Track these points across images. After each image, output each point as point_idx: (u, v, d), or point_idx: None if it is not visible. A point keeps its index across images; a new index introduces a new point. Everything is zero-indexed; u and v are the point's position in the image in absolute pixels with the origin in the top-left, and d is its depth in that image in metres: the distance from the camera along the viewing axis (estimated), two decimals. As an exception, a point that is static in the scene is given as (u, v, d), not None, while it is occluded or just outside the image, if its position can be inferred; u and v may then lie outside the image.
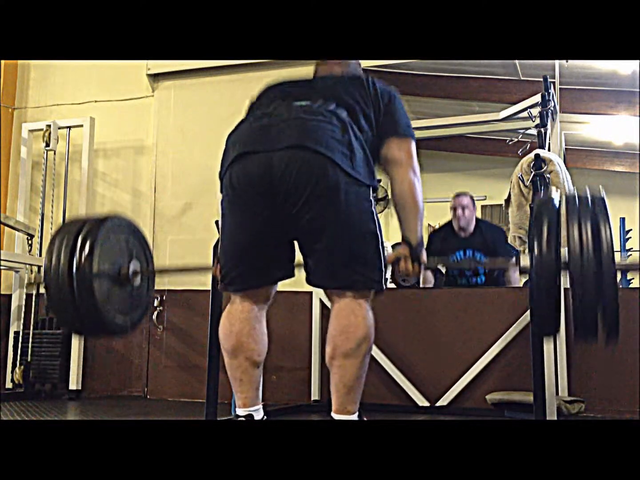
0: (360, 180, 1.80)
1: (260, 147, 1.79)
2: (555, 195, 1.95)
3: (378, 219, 1.88)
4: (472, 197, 4.32)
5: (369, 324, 1.84)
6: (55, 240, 2.12)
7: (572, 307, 1.73)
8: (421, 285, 4.31)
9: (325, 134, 1.78)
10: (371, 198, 1.86)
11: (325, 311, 3.89)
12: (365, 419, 1.92)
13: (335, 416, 1.82)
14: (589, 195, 1.77)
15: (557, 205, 1.82)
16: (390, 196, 1.98)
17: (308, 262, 1.88)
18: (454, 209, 4.27)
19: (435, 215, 6.41)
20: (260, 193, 1.79)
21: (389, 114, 1.96)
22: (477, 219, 4.34)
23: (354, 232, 1.80)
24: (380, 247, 1.85)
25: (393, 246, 5.88)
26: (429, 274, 4.28)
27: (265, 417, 1.97)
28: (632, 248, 6.36)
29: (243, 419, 1.90)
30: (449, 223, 4.36)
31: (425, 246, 2.02)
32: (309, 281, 1.90)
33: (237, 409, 1.94)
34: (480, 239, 4.21)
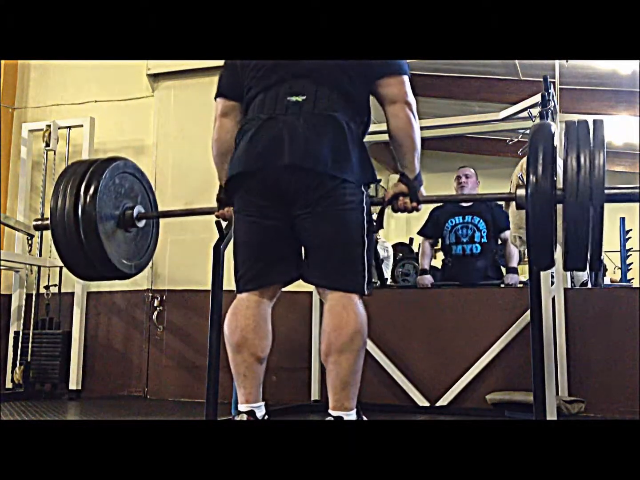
0: (355, 183, 1.88)
1: (270, 165, 1.86)
2: (551, 123, 1.93)
3: (369, 223, 1.92)
4: (474, 170, 4.35)
5: (361, 319, 1.87)
6: (61, 182, 2.13)
7: (564, 238, 1.73)
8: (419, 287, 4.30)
9: (322, 146, 1.83)
10: (364, 204, 1.91)
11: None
12: (364, 417, 1.92)
13: (333, 413, 1.83)
14: (589, 125, 1.77)
15: (553, 133, 1.81)
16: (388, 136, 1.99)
17: (305, 262, 1.97)
18: (457, 178, 4.30)
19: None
20: (269, 204, 1.90)
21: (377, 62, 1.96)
22: None
23: (343, 240, 1.88)
24: (365, 253, 1.91)
25: (394, 246, 5.90)
26: (428, 277, 4.25)
27: (267, 415, 1.97)
28: (632, 248, 6.36)
29: (245, 414, 1.90)
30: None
31: (422, 183, 2.03)
32: (303, 278, 1.99)
33: (239, 405, 1.94)
34: (480, 208, 4.23)
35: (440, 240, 4.35)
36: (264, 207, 1.91)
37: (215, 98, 2.10)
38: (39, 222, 2.31)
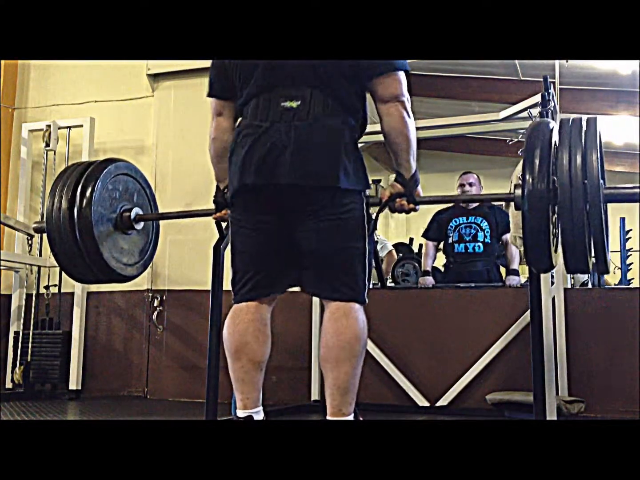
0: (354, 191, 1.87)
1: (270, 180, 1.83)
2: (549, 120, 1.90)
3: (369, 230, 1.91)
4: (478, 177, 4.36)
5: (361, 326, 1.86)
6: (57, 185, 2.11)
7: (562, 241, 1.70)
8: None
9: (319, 157, 1.81)
10: (363, 212, 1.89)
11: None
12: (360, 418, 1.92)
13: (331, 419, 1.82)
14: (583, 122, 1.74)
15: (550, 131, 1.77)
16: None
17: (304, 273, 1.95)
18: (461, 185, 4.30)
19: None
20: (267, 217, 1.89)
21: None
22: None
23: (342, 250, 1.87)
24: (367, 262, 1.89)
25: (394, 246, 5.89)
26: (429, 278, 4.27)
27: (265, 418, 1.97)
28: (632, 248, 6.35)
29: (243, 420, 1.90)
30: (452, 206, 4.39)
31: (419, 183, 1.99)
32: (303, 288, 1.98)
33: (237, 411, 1.94)
34: (483, 210, 4.26)
35: (443, 242, 4.37)
36: (262, 219, 1.90)
37: (208, 96, 2.08)
38: (39, 225, 2.29)
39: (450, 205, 4.41)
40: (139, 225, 2.25)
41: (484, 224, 4.21)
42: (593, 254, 1.78)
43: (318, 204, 1.84)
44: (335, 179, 1.81)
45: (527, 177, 1.72)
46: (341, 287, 1.87)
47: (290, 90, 1.87)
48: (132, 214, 2.22)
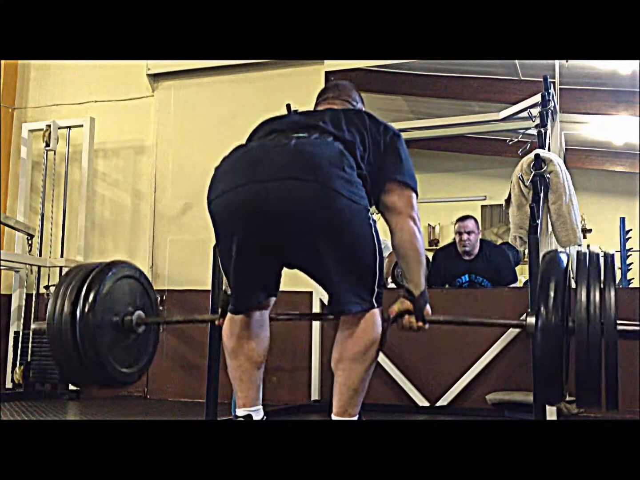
0: (360, 203, 1.75)
1: (255, 178, 1.71)
2: (562, 251, 1.87)
3: (378, 238, 1.81)
4: (476, 220, 4.33)
5: (378, 330, 1.83)
6: (59, 288, 2.11)
7: (575, 375, 1.66)
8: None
9: (322, 160, 1.71)
10: (371, 221, 1.79)
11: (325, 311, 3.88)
12: (363, 419, 1.92)
13: (336, 418, 1.82)
14: (601, 258, 1.71)
15: (565, 264, 1.74)
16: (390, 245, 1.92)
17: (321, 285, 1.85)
18: (459, 233, 4.26)
19: (435, 216, 6.41)
20: (255, 223, 1.73)
21: (392, 153, 1.90)
22: (480, 240, 4.35)
23: (354, 260, 1.76)
24: (379, 269, 1.80)
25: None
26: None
27: (265, 417, 1.97)
28: (632, 248, 6.35)
29: (242, 419, 1.90)
30: (454, 244, 4.35)
31: (428, 301, 1.95)
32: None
33: (236, 409, 1.94)
34: (484, 263, 4.23)
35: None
36: (249, 229, 1.74)
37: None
38: (39, 326, 2.26)
39: (449, 245, 4.43)
40: (140, 329, 2.23)
41: (485, 282, 4.21)
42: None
43: (317, 215, 1.69)
44: (338, 185, 1.70)
45: (542, 309, 1.68)
46: (358, 300, 1.78)
47: (300, 132, 1.83)
48: (134, 318, 2.19)
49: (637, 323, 1.81)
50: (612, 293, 1.67)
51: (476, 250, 4.27)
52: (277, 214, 1.69)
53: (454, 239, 4.35)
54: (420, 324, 1.93)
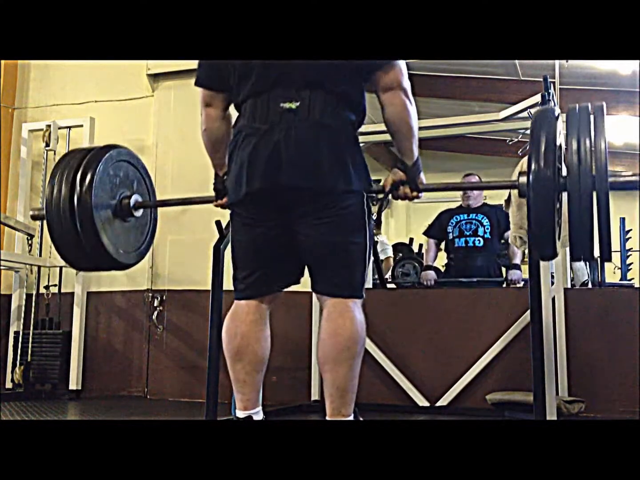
0: (355, 191, 1.85)
1: (272, 183, 1.83)
2: (554, 108, 1.89)
3: (371, 230, 1.90)
4: (480, 179, 4.41)
5: (358, 326, 1.84)
6: (56, 172, 2.10)
7: (569, 227, 1.70)
8: (423, 282, 4.36)
9: (321, 159, 1.80)
10: (365, 208, 1.88)
11: (325, 311, 3.89)
12: (360, 419, 1.91)
13: (330, 420, 1.82)
14: (589, 109, 1.73)
15: (556, 117, 1.76)
16: (384, 122, 1.93)
17: (307, 269, 1.96)
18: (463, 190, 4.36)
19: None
20: (268, 216, 1.88)
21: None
22: (484, 202, 4.46)
23: (340, 245, 1.86)
24: (366, 257, 1.89)
25: (394, 246, 5.90)
26: (431, 272, 4.34)
27: (264, 419, 1.96)
28: (632, 248, 6.36)
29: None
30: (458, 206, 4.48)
31: (421, 170, 1.97)
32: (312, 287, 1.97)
33: (237, 412, 1.93)
34: (484, 209, 4.35)
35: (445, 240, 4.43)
36: (263, 218, 1.89)
37: (195, 85, 2.07)
38: (37, 212, 2.26)
39: (453, 207, 4.50)
40: (138, 213, 2.25)
41: (485, 221, 4.28)
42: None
43: (319, 204, 1.83)
44: (337, 181, 1.81)
45: (533, 164, 1.70)
46: (339, 282, 1.86)
47: (289, 91, 1.85)
48: (132, 201, 2.21)
49: (629, 174, 1.81)
50: (603, 144, 1.68)
51: (479, 204, 4.39)
52: (286, 205, 1.85)
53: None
54: (415, 192, 1.96)
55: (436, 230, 4.43)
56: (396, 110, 1.88)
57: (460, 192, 4.44)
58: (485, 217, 4.28)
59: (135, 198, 2.23)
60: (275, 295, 2.00)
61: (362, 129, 2.05)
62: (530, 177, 1.71)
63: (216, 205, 2.16)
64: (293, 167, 1.80)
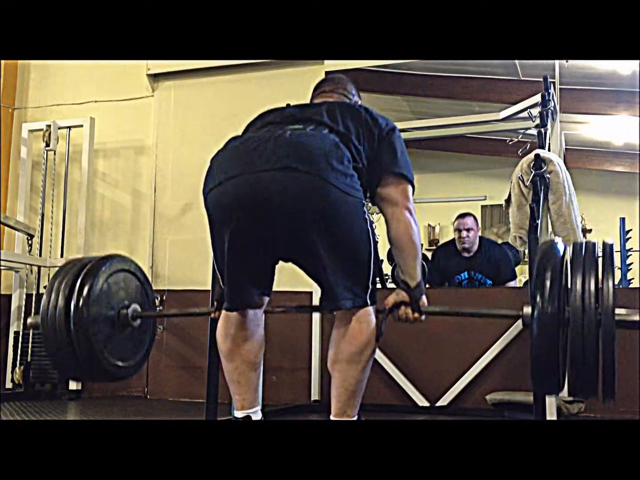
0: (356, 196, 1.76)
1: (248, 169, 1.71)
2: (559, 241, 1.83)
3: (373, 234, 1.82)
4: (475, 218, 4.37)
5: (372, 330, 1.83)
6: (55, 281, 2.08)
7: (569, 366, 1.65)
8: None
9: (317, 151, 1.71)
10: (367, 215, 1.80)
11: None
12: (362, 419, 1.92)
13: (335, 420, 1.82)
14: (598, 247, 1.68)
15: (562, 252, 1.72)
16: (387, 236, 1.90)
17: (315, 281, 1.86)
18: (458, 230, 4.30)
19: (435, 216, 6.42)
20: (249, 214, 1.72)
21: (388, 146, 1.88)
22: (480, 238, 4.39)
23: (349, 255, 1.76)
24: (373, 265, 1.81)
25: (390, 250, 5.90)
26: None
27: (262, 418, 1.96)
28: (632, 248, 6.35)
29: (241, 420, 1.90)
30: (453, 241, 4.39)
31: (424, 292, 1.93)
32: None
33: (235, 412, 1.94)
34: (483, 259, 4.26)
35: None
36: (244, 222, 1.74)
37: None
38: (33, 321, 2.20)
39: (448, 243, 4.47)
40: (136, 323, 2.21)
41: (484, 280, 4.24)
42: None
43: (313, 207, 1.69)
44: (333, 175, 1.70)
45: (538, 298, 1.65)
46: (353, 296, 1.78)
47: (296, 124, 1.84)
48: (130, 311, 2.18)
49: (637, 311, 1.76)
50: (610, 282, 1.63)
51: (475, 247, 4.30)
52: (270, 204, 1.68)
53: (454, 236, 4.38)
54: (417, 315, 1.91)
55: (437, 279, 4.34)
56: (402, 228, 1.85)
57: (455, 234, 4.35)
58: (483, 277, 4.23)
59: (133, 308, 2.19)
60: (262, 300, 1.94)
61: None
62: (535, 311, 1.64)
63: (214, 317, 2.07)
64: (282, 157, 1.71)
